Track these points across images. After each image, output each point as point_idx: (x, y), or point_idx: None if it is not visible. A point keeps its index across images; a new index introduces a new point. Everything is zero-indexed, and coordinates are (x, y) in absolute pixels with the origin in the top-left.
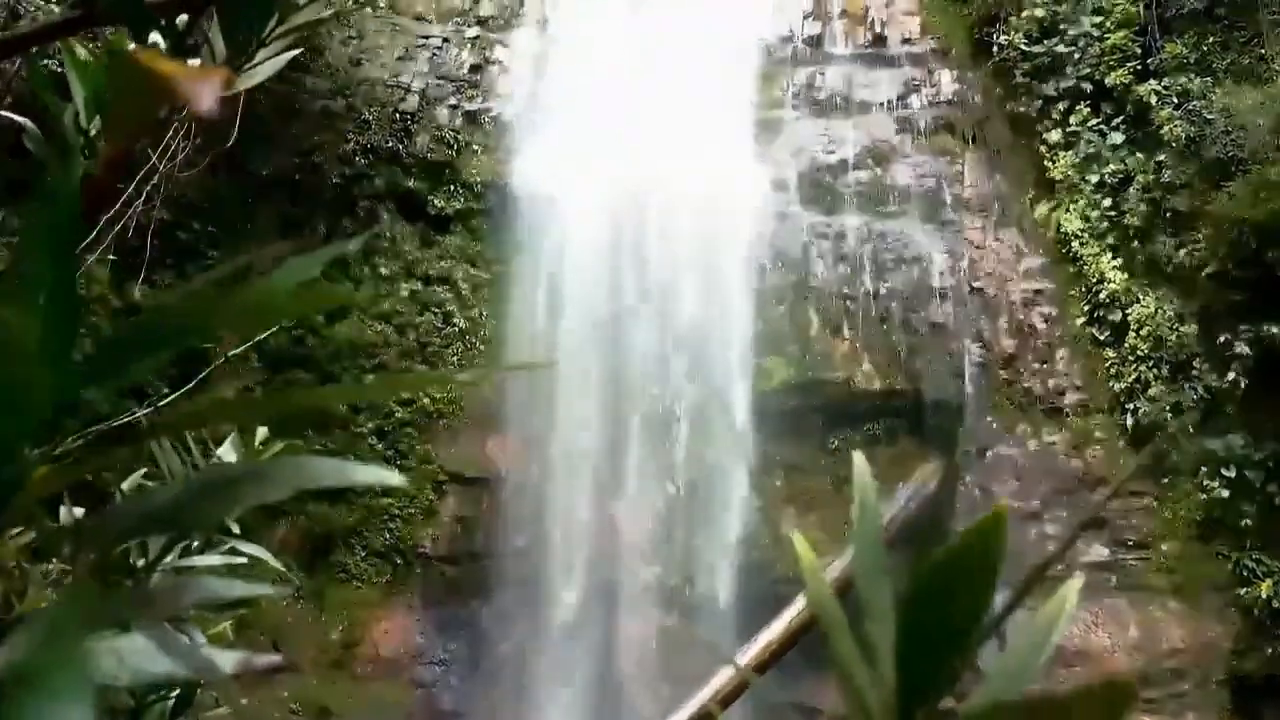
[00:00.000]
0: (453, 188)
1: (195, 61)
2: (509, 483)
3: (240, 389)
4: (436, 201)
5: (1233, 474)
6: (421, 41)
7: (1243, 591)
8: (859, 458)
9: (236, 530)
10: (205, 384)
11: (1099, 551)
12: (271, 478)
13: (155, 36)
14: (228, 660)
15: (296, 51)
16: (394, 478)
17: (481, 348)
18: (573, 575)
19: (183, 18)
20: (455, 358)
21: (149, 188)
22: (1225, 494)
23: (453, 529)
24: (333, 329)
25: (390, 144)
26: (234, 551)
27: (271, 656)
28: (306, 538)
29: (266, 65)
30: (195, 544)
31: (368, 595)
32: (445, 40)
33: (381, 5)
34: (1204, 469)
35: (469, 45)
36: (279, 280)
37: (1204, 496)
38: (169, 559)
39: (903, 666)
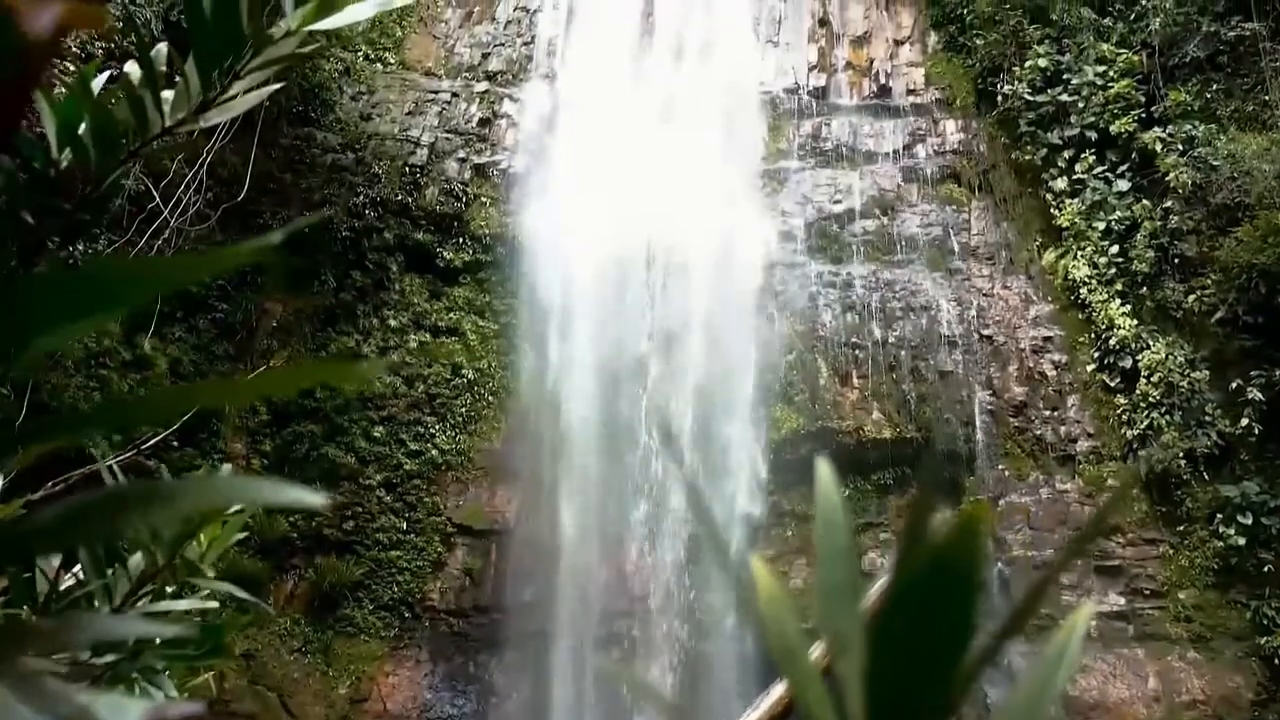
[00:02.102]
0: (461, 240)
1: (169, 94)
2: (517, 535)
3: (248, 441)
4: (445, 254)
5: (1249, 520)
6: (431, 96)
7: (1263, 640)
8: (822, 464)
9: (211, 573)
10: (217, 434)
11: (1115, 601)
12: (173, 495)
13: (131, 66)
14: (134, 710)
15: (275, 87)
16: (315, 499)
17: (490, 398)
18: (582, 628)
19: (161, 48)
20: (464, 408)
21: (160, 241)
22: (1241, 541)
23: (461, 582)
24: None
25: (399, 197)
26: (212, 595)
27: (190, 705)
28: (314, 591)
29: (242, 99)
30: (169, 589)
31: (375, 649)
32: (454, 95)
33: (392, 61)
34: (1219, 516)
35: (478, 100)
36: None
37: (1220, 544)
38: (141, 603)
39: (873, 707)
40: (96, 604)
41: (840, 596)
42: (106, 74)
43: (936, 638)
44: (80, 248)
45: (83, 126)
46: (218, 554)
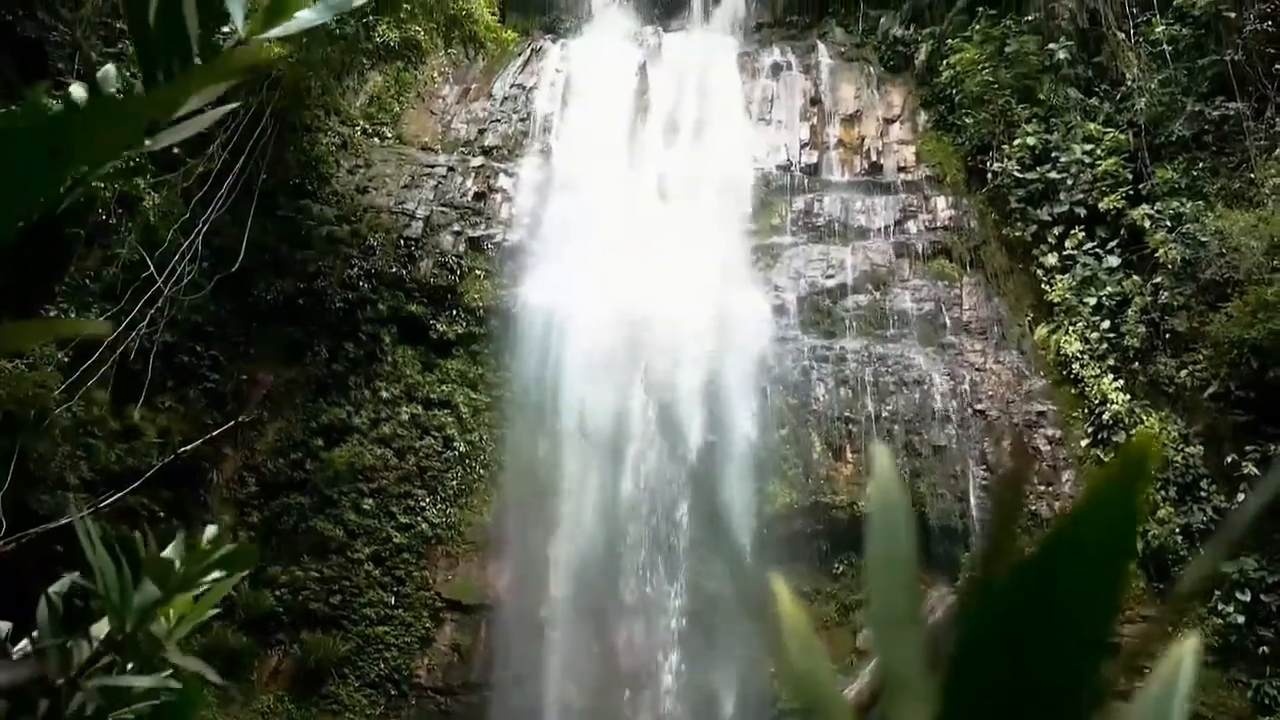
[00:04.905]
0: (455, 312)
1: None
2: (507, 610)
3: (236, 513)
4: (439, 326)
5: (1247, 597)
6: (427, 170)
7: None
8: (881, 450)
9: (176, 651)
10: (206, 506)
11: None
12: None
13: (76, 89)
14: None
15: (230, 107)
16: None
17: (481, 472)
18: (572, 707)
19: (109, 69)
20: (455, 481)
21: (153, 311)
22: (1240, 619)
23: (449, 658)
24: (331, 452)
25: (394, 269)
26: (177, 674)
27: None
28: (299, 667)
29: (195, 120)
30: (130, 665)
31: None
32: (450, 169)
33: (389, 136)
34: (1218, 593)
35: (473, 174)
36: None
37: (1219, 621)
38: (97, 676)
39: None
40: (49, 677)
41: (898, 623)
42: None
43: (1063, 633)
44: (73, 315)
45: None
46: (188, 629)
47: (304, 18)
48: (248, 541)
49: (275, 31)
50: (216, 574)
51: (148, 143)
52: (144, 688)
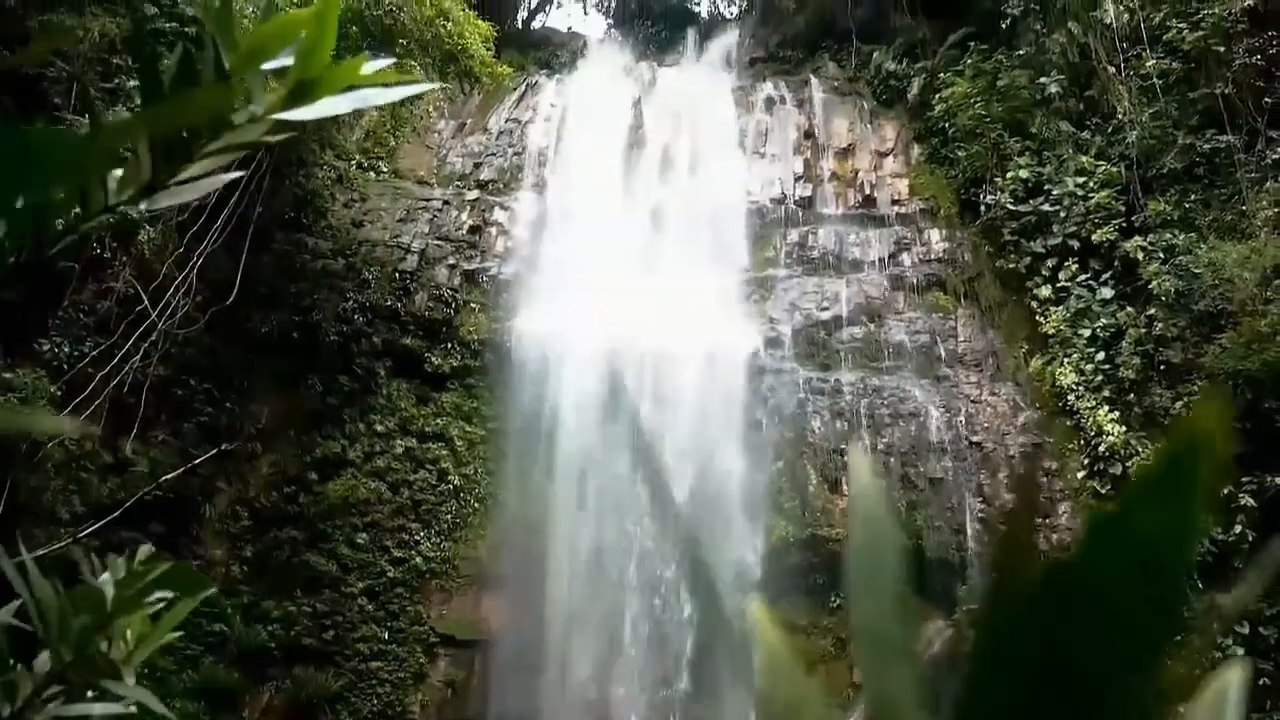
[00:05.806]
0: (449, 345)
1: (118, 172)
2: (502, 646)
3: (229, 547)
4: (433, 359)
5: (1246, 630)
6: (423, 204)
7: None
8: (856, 451)
9: (132, 677)
10: (198, 540)
11: None
12: None
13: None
14: None
15: (231, 176)
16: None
17: (476, 505)
18: None
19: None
20: (449, 515)
21: (147, 344)
22: (1240, 651)
23: (443, 694)
24: (325, 486)
25: (389, 303)
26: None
27: None
28: (291, 704)
29: (195, 185)
30: (90, 693)
31: None
32: (446, 203)
33: (384, 170)
34: (1215, 625)
35: (469, 208)
36: None
37: (1218, 654)
38: (50, 706)
39: None
40: None
41: (887, 643)
42: None
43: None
44: (67, 349)
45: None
46: (147, 654)
47: (325, 105)
48: (242, 578)
49: (294, 114)
50: (160, 594)
51: (142, 206)
52: (99, 716)
